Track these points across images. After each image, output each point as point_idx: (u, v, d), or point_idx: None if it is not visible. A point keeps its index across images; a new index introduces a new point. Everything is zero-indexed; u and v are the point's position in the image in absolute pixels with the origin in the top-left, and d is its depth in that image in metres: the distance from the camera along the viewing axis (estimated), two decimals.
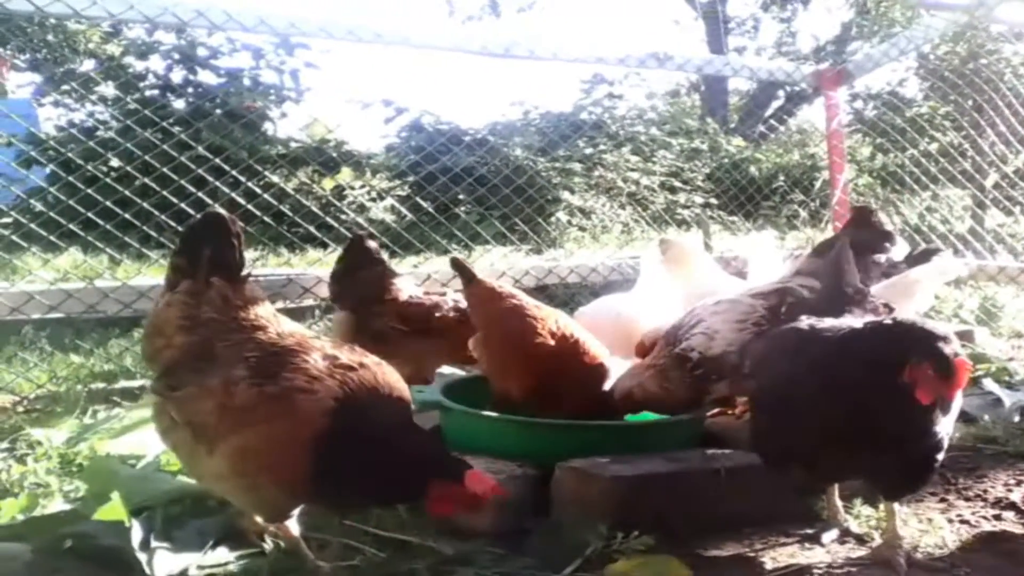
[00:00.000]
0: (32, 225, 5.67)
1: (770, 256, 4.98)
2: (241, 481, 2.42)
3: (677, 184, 15.79)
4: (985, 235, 8.51)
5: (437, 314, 4.41)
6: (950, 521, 2.95)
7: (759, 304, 3.49)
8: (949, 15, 7.28)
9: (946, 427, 2.46)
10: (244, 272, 2.72)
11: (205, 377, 2.45)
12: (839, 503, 2.88)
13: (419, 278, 5.75)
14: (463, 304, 4.37)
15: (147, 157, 6.13)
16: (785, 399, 2.53)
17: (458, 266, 3.96)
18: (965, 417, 3.98)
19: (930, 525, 2.88)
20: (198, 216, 2.81)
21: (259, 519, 2.67)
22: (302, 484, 2.38)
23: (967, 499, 3.19)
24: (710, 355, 3.42)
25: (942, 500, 3.17)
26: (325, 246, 7.75)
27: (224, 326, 2.59)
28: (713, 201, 14.42)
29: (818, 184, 13.51)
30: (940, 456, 2.49)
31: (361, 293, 4.55)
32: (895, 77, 14.77)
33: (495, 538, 2.76)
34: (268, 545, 2.67)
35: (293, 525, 2.61)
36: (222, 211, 2.76)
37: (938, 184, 9.70)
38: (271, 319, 2.67)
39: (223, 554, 2.64)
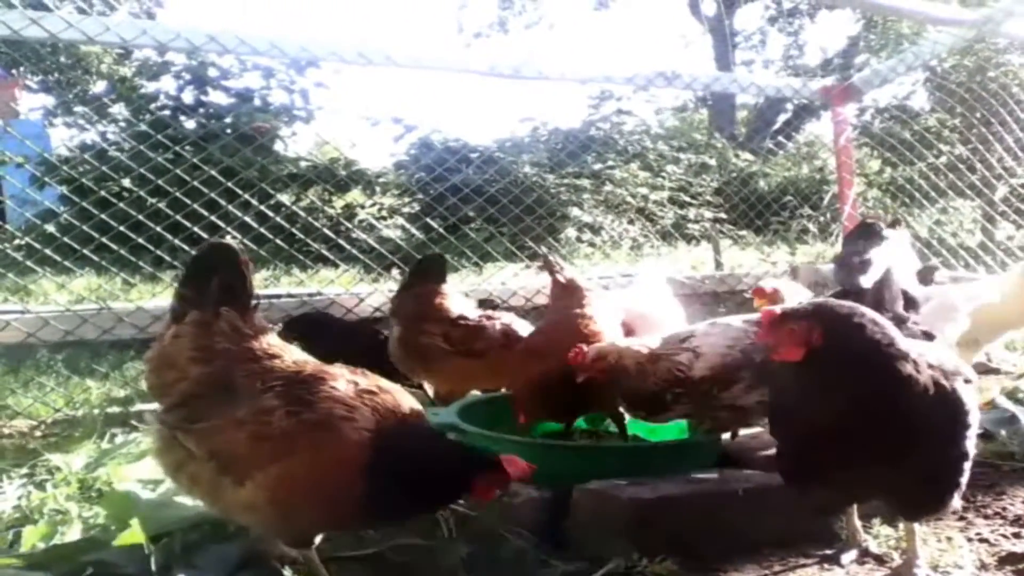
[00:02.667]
0: (47, 251, 5.70)
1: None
2: (280, 509, 2.41)
3: (686, 199, 15.81)
4: (996, 249, 8.50)
5: (482, 337, 4.47)
6: (969, 540, 2.94)
7: (752, 331, 3.42)
8: (956, 30, 7.30)
9: (967, 447, 2.46)
10: (253, 302, 2.72)
11: (230, 408, 2.45)
12: (859, 523, 2.88)
13: None
14: (515, 327, 4.44)
15: (160, 182, 6.16)
16: (804, 417, 2.55)
17: None
18: (982, 433, 3.97)
19: (949, 544, 2.88)
20: (204, 245, 2.80)
21: (283, 546, 2.66)
22: (352, 506, 2.40)
23: (986, 517, 3.18)
24: (691, 374, 3.40)
25: (961, 518, 3.16)
26: (336, 265, 7.79)
27: (240, 356, 2.59)
28: (723, 216, 14.43)
29: (827, 198, 13.51)
30: (963, 479, 2.48)
31: (412, 310, 4.64)
32: (902, 90, 14.74)
33: (518, 560, 2.77)
34: (288, 573, 2.67)
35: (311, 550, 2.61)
36: (230, 241, 2.76)
37: (947, 197, 9.70)
38: (283, 348, 2.68)
39: None
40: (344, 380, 2.51)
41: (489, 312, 4.85)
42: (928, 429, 2.35)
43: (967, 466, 2.48)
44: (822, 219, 12.86)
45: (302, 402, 2.42)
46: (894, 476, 2.44)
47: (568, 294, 4.25)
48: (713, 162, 17.55)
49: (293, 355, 2.67)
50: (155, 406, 4.66)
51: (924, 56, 7.99)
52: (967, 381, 2.49)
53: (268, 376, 2.52)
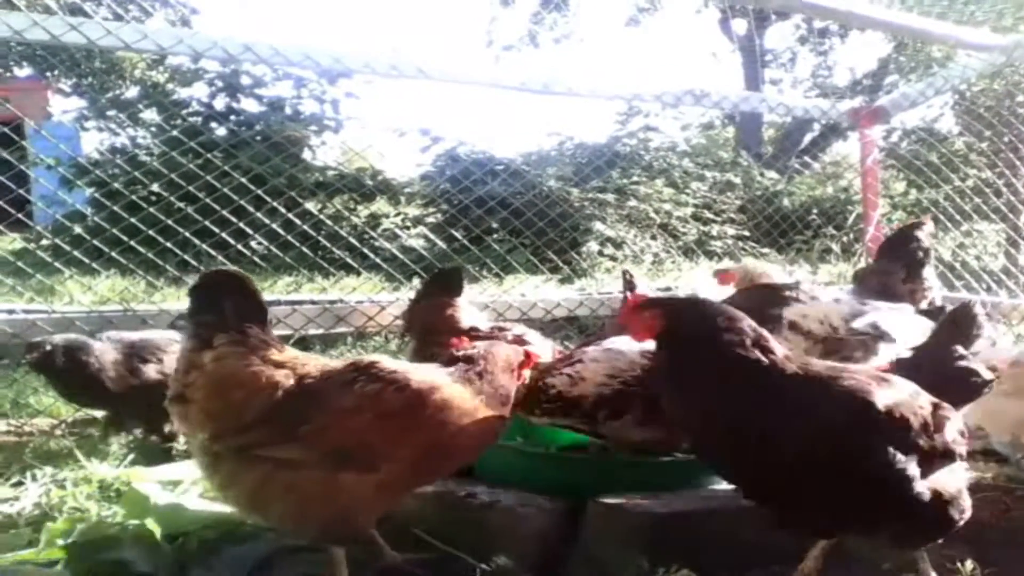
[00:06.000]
0: (75, 252, 5.77)
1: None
2: (418, 476, 2.65)
3: (709, 216, 15.79)
4: (1019, 273, 8.45)
5: None
6: (983, 565, 2.91)
7: (642, 364, 3.39)
8: (986, 56, 7.28)
9: (885, 465, 2.37)
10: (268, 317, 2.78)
11: (325, 406, 2.53)
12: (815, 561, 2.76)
13: None
14: (528, 339, 4.47)
15: (191, 188, 6.24)
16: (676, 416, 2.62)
17: None
18: (996, 457, 3.95)
19: (963, 566, 2.86)
20: (208, 274, 2.83)
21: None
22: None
23: (1000, 542, 3.15)
24: (569, 396, 3.40)
25: (973, 544, 3.13)
26: (359, 273, 7.84)
27: (290, 364, 2.65)
28: (745, 233, 14.42)
29: (851, 218, 13.48)
30: (908, 508, 2.42)
31: (424, 322, 4.67)
32: (930, 113, 14.72)
33: (528, 572, 2.78)
34: None
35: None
36: (233, 269, 2.84)
37: (971, 221, 9.66)
38: (305, 355, 2.77)
39: None
40: (384, 359, 2.71)
41: (501, 324, 4.87)
42: (819, 436, 2.32)
43: (913, 492, 2.39)
44: (845, 239, 12.83)
45: (393, 379, 2.59)
46: (797, 489, 2.42)
47: None
48: (738, 180, 17.51)
49: (317, 359, 2.76)
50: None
51: (953, 80, 7.97)
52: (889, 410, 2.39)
53: (335, 371, 2.64)
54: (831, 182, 18.06)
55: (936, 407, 2.50)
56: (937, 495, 2.45)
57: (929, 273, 4.92)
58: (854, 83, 26.66)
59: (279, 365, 2.61)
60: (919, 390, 2.53)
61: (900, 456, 2.35)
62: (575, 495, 3.06)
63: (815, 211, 14.06)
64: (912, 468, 2.37)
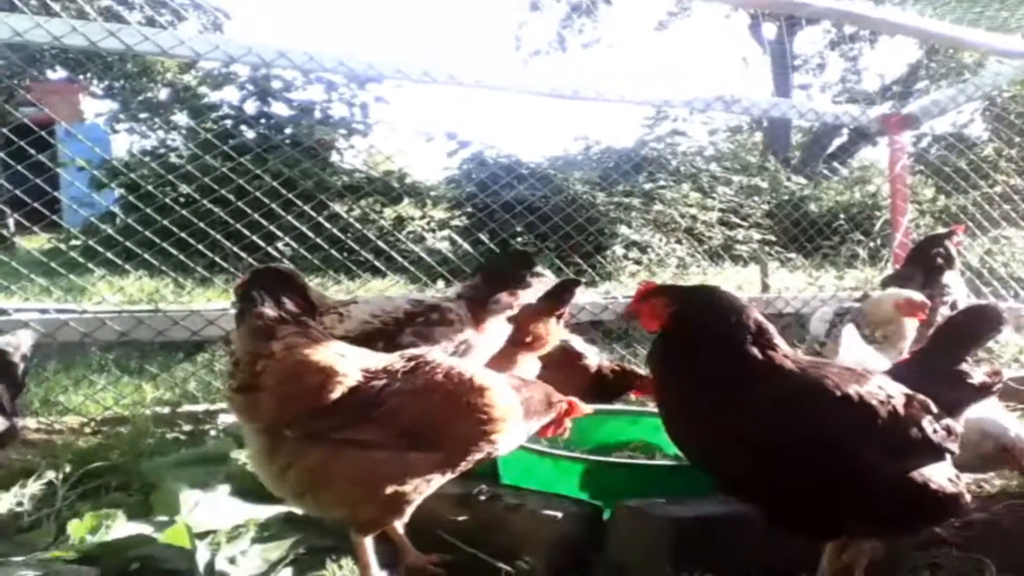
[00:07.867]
0: (108, 254, 5.84)
1: None
2: (469, 453, 2.72)
3: (736, 220, 15.72)
4: None
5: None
6: (1007, 571, 2.91)
7: (405, 308, 3.63)
8: (1019, 63, 7.23)
9: (865, 457, 2.38)
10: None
11: (405, 384, 2.65)
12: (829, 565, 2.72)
13: None
14: (574, 345, 4.49)
15: (221, 191, 6.30)
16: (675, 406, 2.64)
17: None
18: None
19: (986, 572, 2.85)
20: (262, 270, 2.98)
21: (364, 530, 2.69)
22: None
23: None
24: (333, 333, 3.56)
25: (997, 550, 3.11)
26: (385, 275, 7.87)
27: (349, 353, 2.73)
28: (772, 238, 14.35)
29: (879, 223, 13.40)
30: (874, 503, 2.41)
31: None
32: (960, 119, 14.63)
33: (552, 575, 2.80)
34: (334, 569, 2.73)
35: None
36: (287, 266, 2.99)
37: (1000, 227, 9.59)
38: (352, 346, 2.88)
39: None
40: (434, 351, 2.92)
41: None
42: (806, 431, 2.36)
43: (876, 477, 2.40)
44: (872, 245, 12.75)
45: (452, 364, 2.78)
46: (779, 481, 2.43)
47: None
48: (765, 185, 17.43)
49: (366, 350, 2.88)
50: (200, 408, 4.75)
51: (985, 87, 7.92)
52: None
53: (393, 359, 2.76)
54: (859, 187, 17.95)
55: (910, 400, 2.49)
56: (914, 486, 2.44)
57: (951, 279, 4.91)
58: (883, 88, 26.47)
59: (341, 354, 2.68)
60: (890, 382, 2.54)
61: (859, 439, 2.38)
62: (602, 500, 3.07)
63: (842, 216, 13.98)
64: (873, 453, 2.39)
